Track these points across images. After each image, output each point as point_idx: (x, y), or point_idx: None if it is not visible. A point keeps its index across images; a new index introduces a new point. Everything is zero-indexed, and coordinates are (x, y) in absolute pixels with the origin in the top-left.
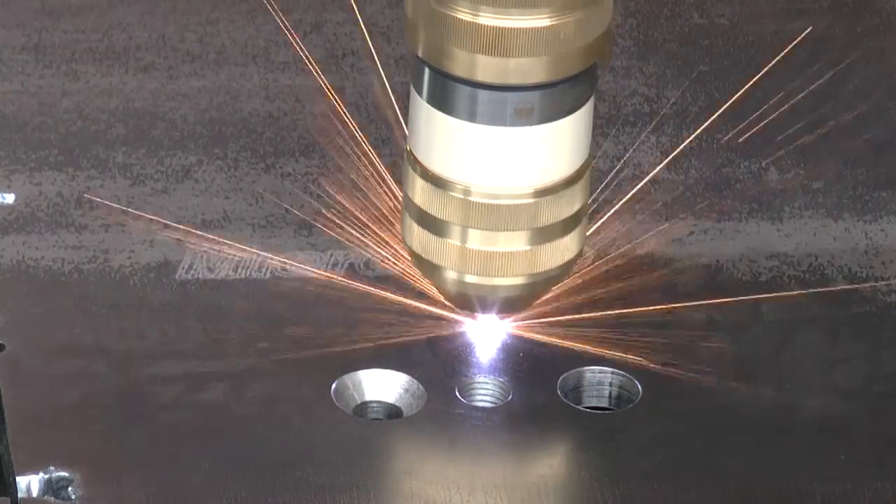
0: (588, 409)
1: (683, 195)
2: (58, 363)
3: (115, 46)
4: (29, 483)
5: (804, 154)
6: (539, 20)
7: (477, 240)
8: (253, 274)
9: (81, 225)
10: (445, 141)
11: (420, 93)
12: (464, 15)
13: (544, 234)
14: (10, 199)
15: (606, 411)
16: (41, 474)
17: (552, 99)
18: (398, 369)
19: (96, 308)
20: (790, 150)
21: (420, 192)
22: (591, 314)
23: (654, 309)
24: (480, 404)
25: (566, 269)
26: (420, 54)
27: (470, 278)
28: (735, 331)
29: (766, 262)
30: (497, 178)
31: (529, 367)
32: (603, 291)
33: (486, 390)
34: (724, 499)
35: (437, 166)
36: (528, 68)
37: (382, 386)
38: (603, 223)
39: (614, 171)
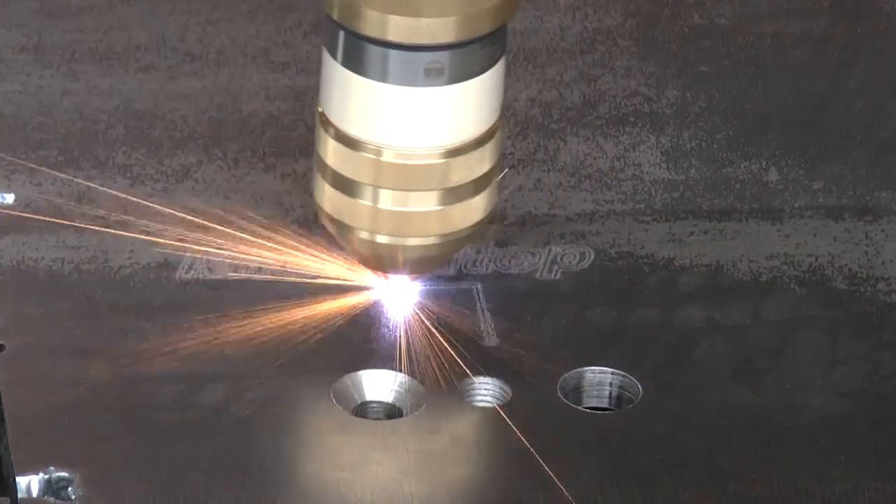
0: (588, 410)
1: (683, 195)
2: (58, 363)
3: (115, 46)
4: (29, 483)
5: (804, 154)
6: None
7: (389, 200)
8: (253, 274)
9: (81, 225)
10: (357, 101)
11: (332, 54)
12: None
13: (455, 194)
14: (10, 199)
15: (606, 411)
16: (41, 474)
17: (462, 59)
18: (398, 369)
19: (96, 308)
20: (790, 150)
21: (332, 152)
22: (592, 314)
23: (655, 309)
24: (480, 404)
25: (477, 228)
26: (335, 16)
27: (381, 238)
28: (735, 331)
29: (766, 262)
30: (408, 138)
31: (529, 367)
32: (603, 291)
33: (486, 390)
34: (724, 499)
35: (348, 126)
36: (438, 28)
37: (382, 386)
38: (603, 223)
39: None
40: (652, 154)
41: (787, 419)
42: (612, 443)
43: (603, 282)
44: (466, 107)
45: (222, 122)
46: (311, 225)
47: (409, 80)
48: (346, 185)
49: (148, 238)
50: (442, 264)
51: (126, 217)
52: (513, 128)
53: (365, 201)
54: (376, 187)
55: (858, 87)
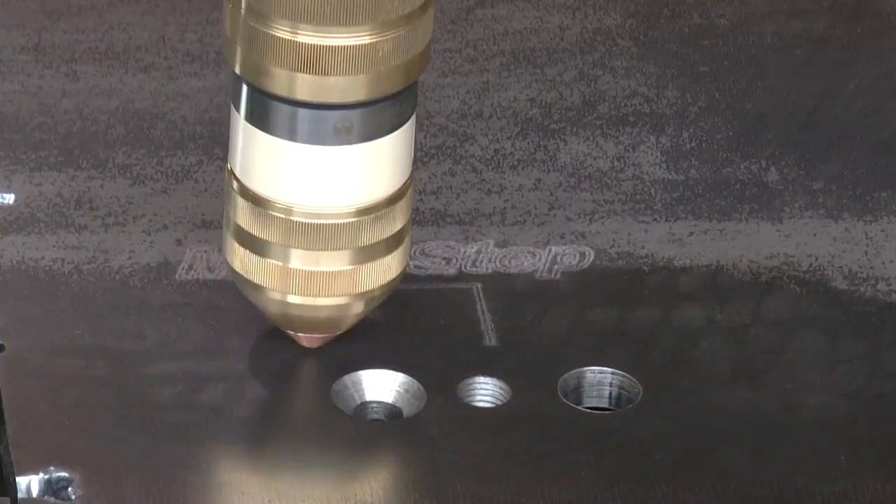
0: (588, 410)
1: (683, 195)
2: (58, 363)
3: (115, 46)
4: (29, 483)
5: (804, 154)
6: (358, 38)
7: (299, 259)
8: None
9: (81, 225)
10: (266, 159)
11: (239, 110)
12: (282, 33)
13: (367, 254)
14: (10, 199)
15: (606, 411)
16: (41, 474)
17: (373, 117)
18: (397, 369)
19: (96, 308)
20: (790, 150)
21: (241, 211)
22: (592, 314)
23: (655, 309)
24: (480, 405)
25: (389, 288)
26: (238, 71)
27: (293, 298)
28: (735, 331)
29: (766, 262)
30: (318, 198)
31: (529, 367)
32: (603, 291)
33: (485, 391)
34: (724, 499)
35: (258, 185)
36: (348, 86)
37: (382, 386)
38: (603, 223)
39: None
40: (652, 154)
41: (787, 419)
42: (612, 443)
43: (603, 282)
44: (377, 165)
45: (222, 122)
46: None
47: (318, 139)
48: (255, 245)
49: (148, 238)
50: (352, 324)
51: (126, 217)
52: (513, 128)
53: (275, 261)
54: (286, 247)
55: (858, 87)
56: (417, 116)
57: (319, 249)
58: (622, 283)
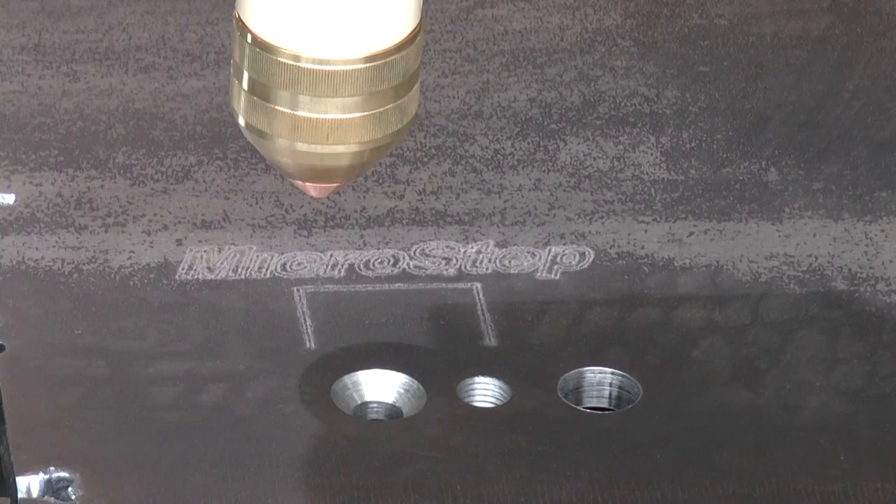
0: (588, 410)
1: (683, 195)
2: (58, 363)
3: (115, 46)
4: (29, 483)
5: (804, 154)
6: None
7: (307, 107)
8: (253, 274)
9: (81, 225)
10: (275, 5)
11: None
12: None
13: (375, 101)
14: (9, 199)
15: (606, 411)
16: (41, 474)
17: None
18: (397, 369)
19: (96, 308)
20: (790, 150)
21: (249, 59)
22: (592, 314)
23: (655, 309)
24: (480, 405)
25: (398, 136)
26: None
27: (300, 146)
28: (735, 331)
29: (766, 262)
30: (328, 44)
31: (529, 367)
32: (603, 291)
33: (485, 391)
34: (724, 499)
35: (266, 32)
36: None
37: (382, 386)
38: (603, 223)
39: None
40: (652, 154)
41: (787, 419)
42: (612, 443)
43: (603, 282)
44: (387, 11)
45: (222, 122)
46: (312, 226)
47: None
48: (263, 92)
49: (148, 238)
50: (361, 174)
51: (126, 217)
52: (513, 128)
53: (283, 108)
54: (295, 94)
55: (858, 87)
56: (417, 117)
57: (327, 97)
58: (622, 283)
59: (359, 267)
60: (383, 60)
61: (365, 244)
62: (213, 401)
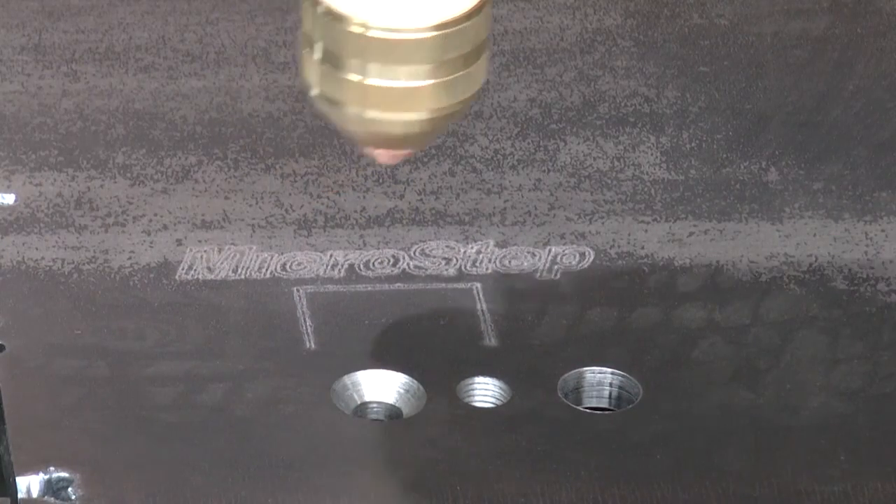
0: (588, 410)
1: (683, 195)
2: (58, 363)
3: (115, 46)
4: (29, 483)
5: (804, 154)
6: None
7: (378, 74)
8: (253, 274)
9: (81, 225)
10: None
11: None
12: None
13: (445, 69)
14: (9, 199)
15: (606, 411)
16: (41, 474)
17: None
18: (397, 369)
19: (96, 308)
20: (790, 150)
21: (320, 28)
22: (592, 314)
23: (655, 309)
24: (480, 405)
25: (466, 104)
26: None
27: (371, 114)
28: (735, 331)
29: (766, 262)
30: (397, 12)
31: (529, 367)
32: (603, 291)
33: (486, 391)
34: (724, 499)
35: (337, 1)
36: None
37: (382, 386)
38: (603, 223)
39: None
40: (652, 154)
41: (787, 419)
42: (612, 443)
43: (603, 282)
44: None
45: (222, 122)
46: (312, 226)
47: None
48: (335, 61)
49: (148, 238)
50: (432, 141)
51: (126, 217)
52: (513, 128)
53: (354, 77)
54: (365, 62)
55: (858, 87)
56: None
57: (397, 64)
58: (622, 283)
59: (359, 267)
60: (453, 28)
61: (365, 244)
62: (213, 401)
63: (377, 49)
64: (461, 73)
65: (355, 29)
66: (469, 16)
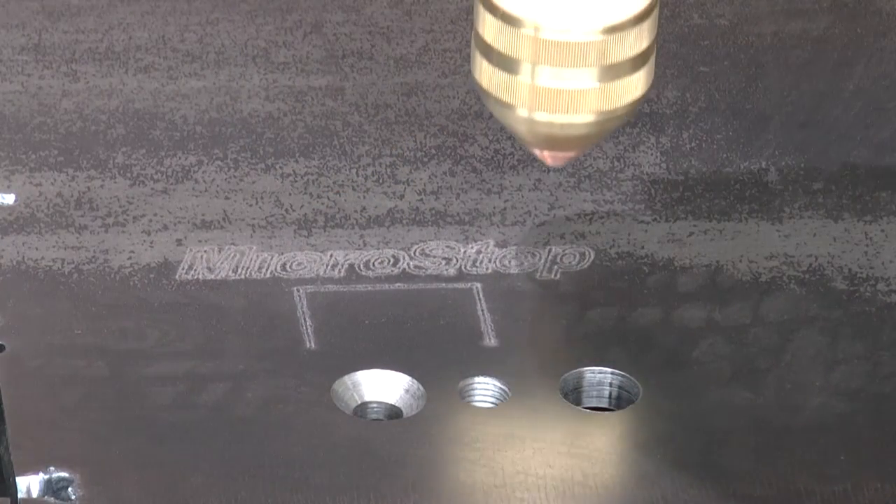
0: (588, 410)
1: (683, 195)
2: (58, 363)
3: (115, 46)
4: (29, 483)
5: (804, 154)
6: None
7: (547, 77)
8: (253, 274)
9: (81, 225)
10: None
11: None
12: None
13: (613, 72)
14: (9, 199)
15: (606, 411)
16: (41, 474)
17: None
18: (397, 369)
19: (96, 308)
20: (790, 150)
21: (490, 29)
22: (592, 314)
23: (655, 309)
24: (480, 405)
25: (633, 107)
26: None
27: (539, 115)
28: (735, 331)
29: (766, 263)
30: (567, 15)
31: (529, 367)
32: (603, 291)
33: (486, 391)
34: (724, 499)
35: (508, 3)
36: None
37: (382, 386)
38: (603, 223)
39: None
40: (652, 154)
41: (787, 419)
42: (612, 443)
43: (603, 282)
44: None
45: (222, 122)
46: (312, 226)
47: None
48: (504, 63)
49: (148, 238)
50: (597, 143)
51: (126, 217)
52: None
53: (523, 78)
54: (535, 64)
55: (858, 87)
56: (417, 116)
57: (567, 67)
58: (622, 283)
59: (359, 267)
60: (621, 32)
61: (365, 244)
62: (213, 401)
63: (547, 52)
64: (628, 76)
65: (527, 31)
66: (637, 20)
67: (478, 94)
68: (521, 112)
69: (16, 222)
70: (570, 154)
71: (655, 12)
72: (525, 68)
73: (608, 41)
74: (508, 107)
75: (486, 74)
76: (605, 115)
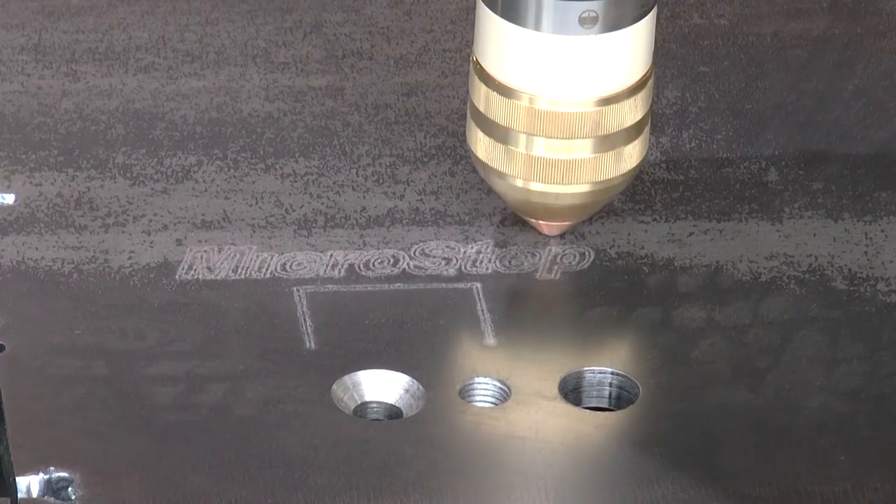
0: (588, 410)
1: (683, 195)
2: (58, 363)
3: (115, 46)
4: (29, 483)
5: (804, 154)
6: None
7: (542, 147)
8: (253, 274)
9: (81, 225)
10: (511, 50)
11: (489, 4)
12: None
13: (608, 142)
14: (9, 199)
15: (606, 411)
16: (41, 474)
17: (616, 7)
18: (397, 369)
19: (96, 308)
20: (790, 150)
21: (485, 100)
22: (592, 314)
23: (655, 309)
24: (480, 405)
25: (628, 177)
26: None
27: (534, 185)
28: (735, 331)
29: (766, 263)
30: (562, 87)
31: (529, 367)
32: (603, 291)
33: (485, 390)
34: (724, 499)
35: (502, 75)
36: None
37: (382, 386)
38: (603, 223)
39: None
40: (652, 154)
41: (787, 419)
42: (612, 443)
43: (603, 282)
44: (620, 55)
45: (222, 122)
46: (311, 226)
47: (563, 29)
48: (499, 133)
49: (148, 238)
50: (592, 214)
51: (126, 217)
52: None
53: (518, 149)
54: (529, 135)
55: (858, 87)
56: (417, 116)
57: (562, 138)
58: (622, 283)
59: (359, 267)
60: (616, 103)
61: (365, 244)
62: (213, 401)
63: (542, 122)
64: (623, 146)
65: (521, 103)
66: (632, 91)
67: (472, 162)
68: (517, 182)
69: (16, 222)
70: (566, 223)
71: (650, 83)
72: (521, 138)
73: (603, 112)
74: (503, 176)
75: (480, 143)
76: (600, 184)
